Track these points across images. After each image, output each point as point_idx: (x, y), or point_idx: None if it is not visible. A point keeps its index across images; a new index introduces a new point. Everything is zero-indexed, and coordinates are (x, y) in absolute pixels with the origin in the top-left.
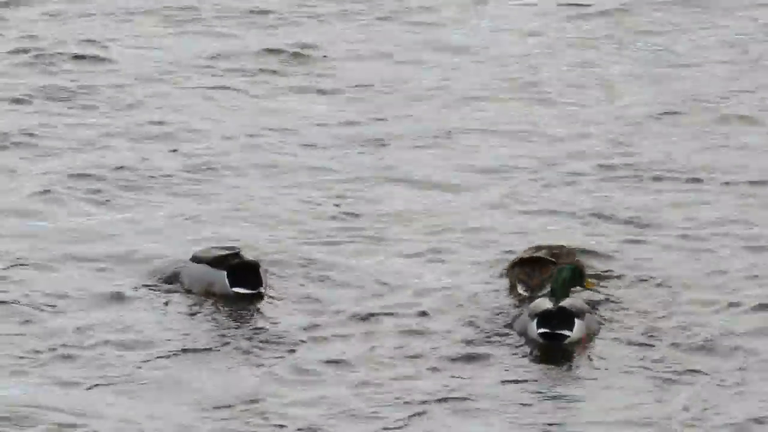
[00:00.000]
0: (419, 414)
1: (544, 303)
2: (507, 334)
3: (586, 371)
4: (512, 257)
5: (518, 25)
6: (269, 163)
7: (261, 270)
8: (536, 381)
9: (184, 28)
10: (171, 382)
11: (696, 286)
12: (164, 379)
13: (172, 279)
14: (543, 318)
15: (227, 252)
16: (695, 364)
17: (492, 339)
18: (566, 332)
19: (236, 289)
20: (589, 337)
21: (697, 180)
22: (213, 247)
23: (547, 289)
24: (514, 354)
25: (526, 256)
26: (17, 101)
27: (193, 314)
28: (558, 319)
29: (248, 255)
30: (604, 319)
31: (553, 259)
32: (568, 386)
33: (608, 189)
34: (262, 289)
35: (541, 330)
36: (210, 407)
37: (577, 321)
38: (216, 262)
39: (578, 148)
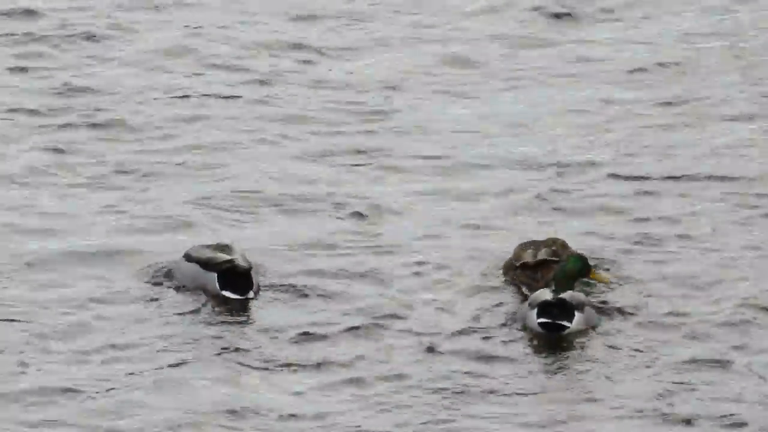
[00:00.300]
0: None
1: (545, 294)
2: (510, 331)
3: (590, 366)
4: (508, 253)
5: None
6: (269, 166)
7: (252, 273)
8: (540, 377)
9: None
10: (159, 391)
11: (696, 285)
12: (153, 388)
13: (166, 276)
14: (543, 308)
15: (219, 253)
16: (699, 360)
17: (495, 336)
18: (566, 323)
19: (225, 293)
20: (591, 330)
21: (696, 179)
22: (205, 246)
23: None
24: (517, 350)
25: (528, 260)
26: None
27: (183, 321)
28: (558, 309)
29: (239, 252)
30: (606, 313)
31: (556, 259)
32: (571, 382)
33: (610, 189)
34: (250, 294)
35: (541, 320)
36: (198, 417)
37: (577, 313)
38: (207, 265)
39: (583, 147)
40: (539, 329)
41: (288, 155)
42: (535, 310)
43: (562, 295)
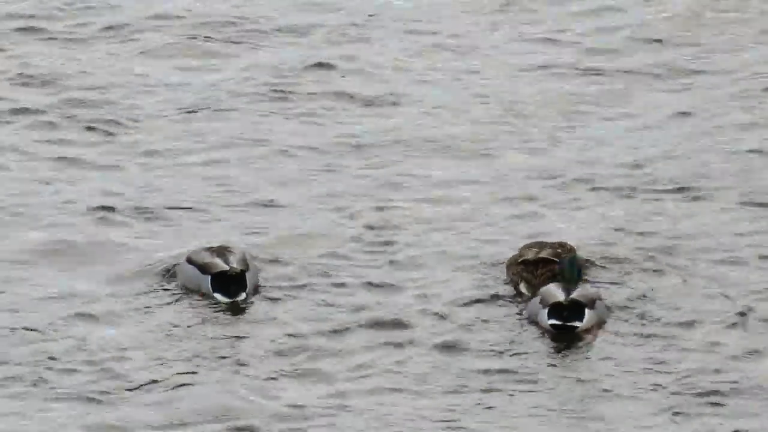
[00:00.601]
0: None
1: (556, 291)
2: (519, 328)
3: (596, 362)
4: (511, 251)
5: None
6: (286, 174)
7: (247, 275)
8: (548, 375)
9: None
10: (154, 397)
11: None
12: (148, 394)
13: (170, 276)
14: (554, 309)
15: (216, 258)
16: (712, 366)
17: (503, 334)
18: (576, 323)
19: (216, 295)
20: (600, 325)
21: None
22: (206, 248)
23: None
24: (526, 346)
25: (530, 256)
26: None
27: (178, 326)
28: (569, 310)
29: (238, 254)
30: (613, 308)
31: (557, 259)
32: (580, 383)
33: (619, 198)
34: (241, 297)
35: (552, 321)
36: (197, 424)
37: (587, 312)
38: (203, 268)
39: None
40: (551, 329)
41: (290, 157)
42: (546, 310)
43: (573, 295)
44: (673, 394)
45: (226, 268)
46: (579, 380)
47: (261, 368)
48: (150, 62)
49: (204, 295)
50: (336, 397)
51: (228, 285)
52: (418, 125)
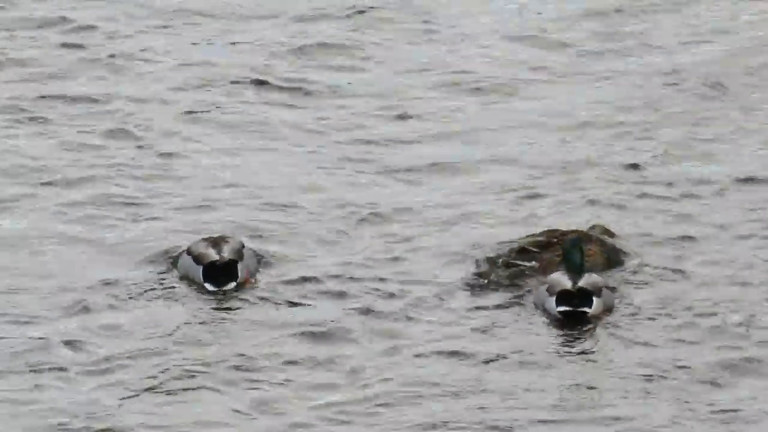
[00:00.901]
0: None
1: (563, 279)
2: (526, 315)
3: (603, 358)
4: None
5: None
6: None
7: (240, 265)
8: (558, 364)
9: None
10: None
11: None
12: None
13: (173, 266)
14: (563, 296)
15: (210, 249)
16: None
17: (510, 324)
18: (586, 309)
19: (207, 285)
20: (607, 312)
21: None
22: (204, 239)
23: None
24: (534, 334)
25: (524, 244)
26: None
27: (178, 319)
28: (578, 297)
29: (234, 245)
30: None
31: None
32: (581, 377)
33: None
34: (230, 287)
35: (561, 308)
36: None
37: (595, 299)
38: (197, 259)
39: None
40: (558, 316)
41: (289, 157)
42: (554, 298)
43: (581, 283)
44: (679, 389)
45: (217, 258)
46: (583, 376)
47: (258, 368)
48: (154, 58)
49: (201, 285)
50: (335, 392)
51: (218, 275)
52: (423, 117)
